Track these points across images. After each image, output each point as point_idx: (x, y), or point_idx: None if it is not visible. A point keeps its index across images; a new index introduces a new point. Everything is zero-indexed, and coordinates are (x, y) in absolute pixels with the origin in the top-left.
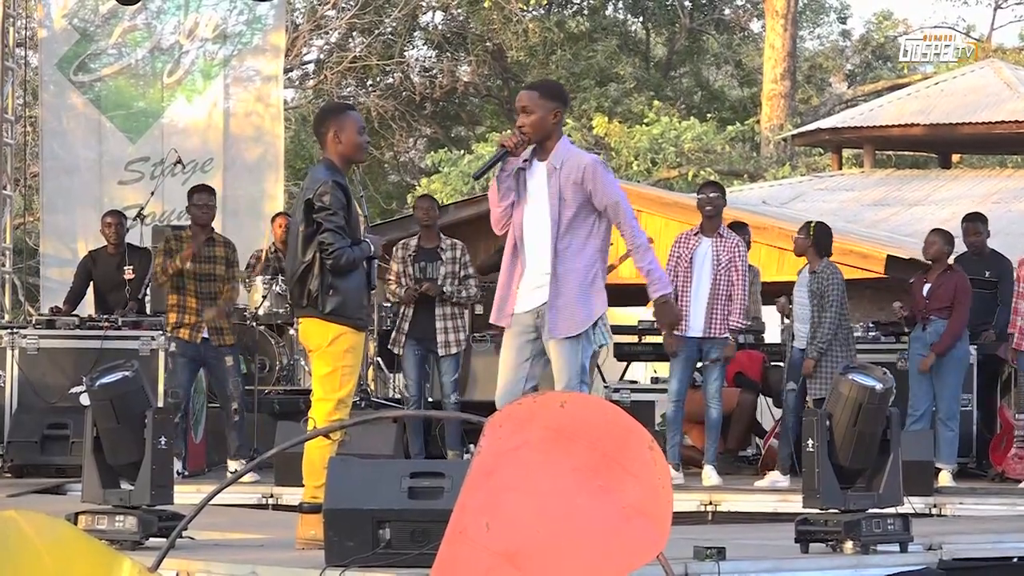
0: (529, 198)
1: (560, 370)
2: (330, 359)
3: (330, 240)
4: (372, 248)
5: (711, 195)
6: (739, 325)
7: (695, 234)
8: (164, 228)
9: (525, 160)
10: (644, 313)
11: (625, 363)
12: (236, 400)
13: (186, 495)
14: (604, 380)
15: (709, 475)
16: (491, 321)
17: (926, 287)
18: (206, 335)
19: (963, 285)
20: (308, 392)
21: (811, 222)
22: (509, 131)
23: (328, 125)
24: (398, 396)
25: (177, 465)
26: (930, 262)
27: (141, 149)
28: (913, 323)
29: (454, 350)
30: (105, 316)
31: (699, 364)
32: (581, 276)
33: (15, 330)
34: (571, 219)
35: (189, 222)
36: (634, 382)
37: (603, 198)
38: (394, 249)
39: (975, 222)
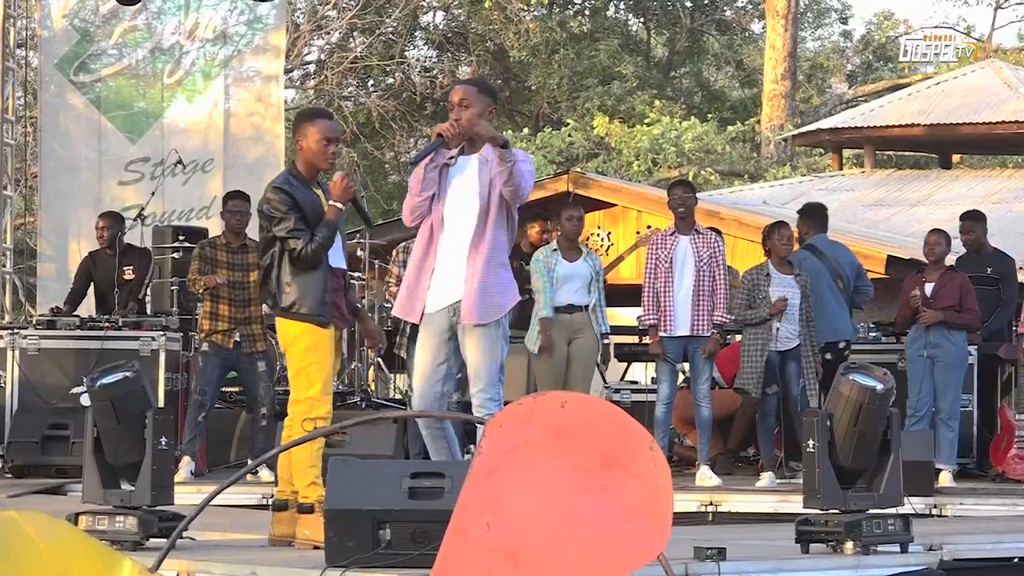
0: (452, 193)
1: (477, 360)
2: (294, 359)
3: (292, 245)
4: (333, 219)
5: (683, 194)
6: (723, 320)
7: (671, 234)
8: (164, 229)
9: (451, 157)
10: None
11: (626, 363)
12: (265, 405)
13: (187, 495)
14: (604, 381)
15: (704, 475)
16: (397, 315)
17: (928, 286)
18: (238, 339)
19: (968, 285)
20: None
21: (783, 222)
22: (447, 122)
23: (297, 132)
24: (398, 396)
25: (191, 466)
26: (932, 262)
27: (141, 149)
28: (909, 324)
29: None
30: (105, 317)
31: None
32: (501, 264)
33: (16, 330)
34: (496, 209)
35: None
36: (635, 382)
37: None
38: (395, 252)
39: (967, 220)
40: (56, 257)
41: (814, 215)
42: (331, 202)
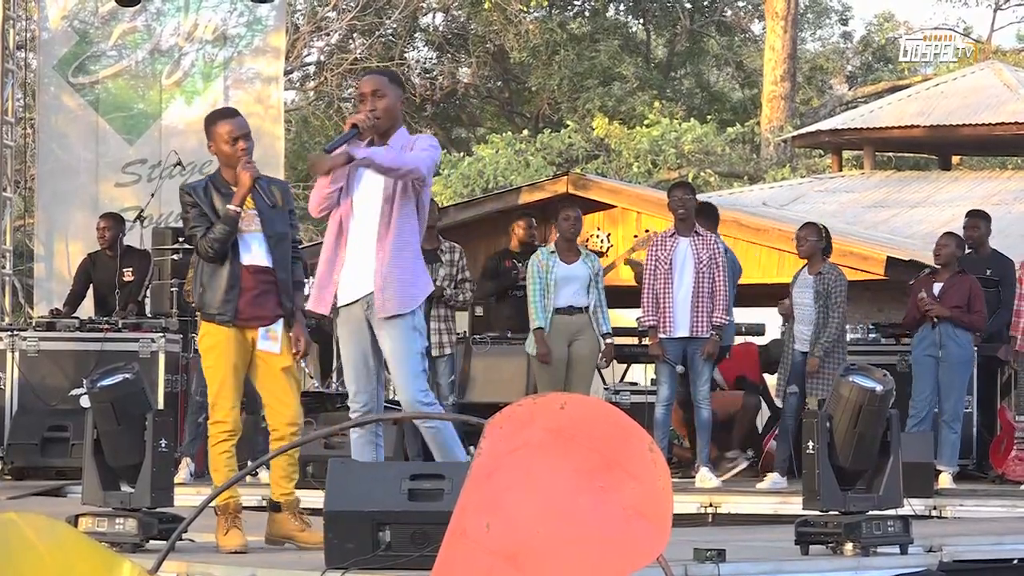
0: (362, 187)
1: (397, 354)
2: (201, 359)
3: (194, 244)
4: (230, 214)
5: (683, 196)
6: (722, 321)
7: (671, 235)
8: (164, 231)
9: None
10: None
11: (625, 365)
12: None
13: (186, 497)
14: (604, 382)
15: (704, 477)
16: (309, 307)
17: (936, 287)
18: None
19: (977, 288)
20: (306, 394)
21: (817, 223)
22: (360, 114)
23: (207, 137)
24: (396, 398)
25: (190, 468)
26: (940, 265)
27: (139, 151)
28: (917, 325)
29: (448, 351)
30: (105, 318)
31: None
32: (411, 253)
33: (15, 332)
34: (401, 196)
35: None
36: (634, 383)
37: (416, 150)
38: None
39: (974, 217)
40: (52, 259)
41: (707, 215)
42: (231, 201)
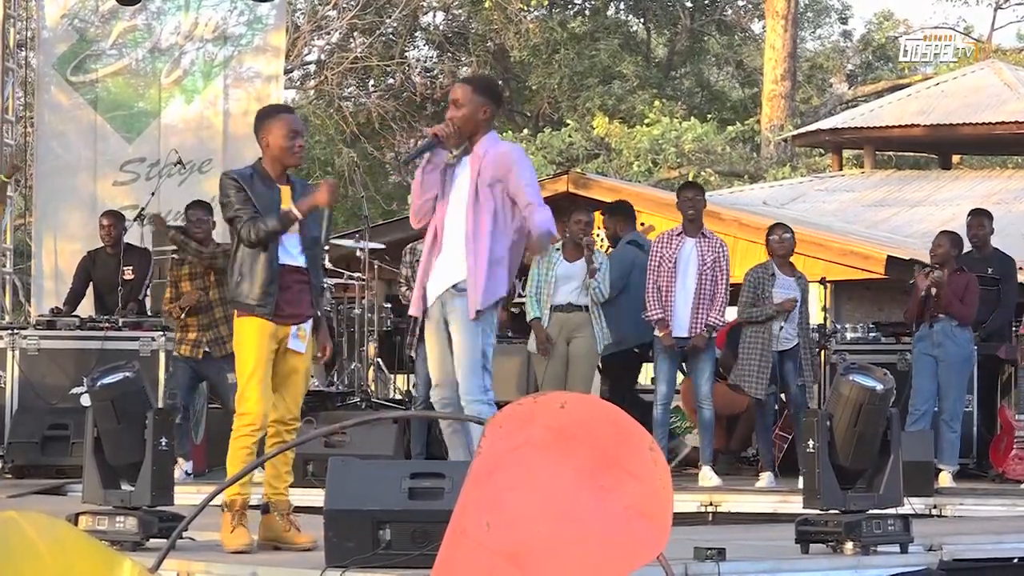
0: (453, 194)
1: (459, 348)
2: (235, 351)
3: (236, 227)
4: (292, 216)
5: (692, 196)
6: (715, 322)
7: (678, 234)
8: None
9: (454, 156)
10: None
11: None
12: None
13: (187, 496)
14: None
15: (706, 475)
16: (412, 314)
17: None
18: (207, 349)
19: (973, 284)
20: (306, 393)
21: (782, 224)
22: (442, 123)
23: (260, 129)
24: (398, 396)
25: (186, 466)
26: (937, 265)
27: (138, 149)
28: (918, 319)
29: None
30: (105, 317)
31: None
32: (487, 257)
33: (16, 331)
34: (486, 203)
35: (184, 222)
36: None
37: (515, 180)
38: (403, 253)
39: (980, 216)
40: (50, 257)
41: (624, 212)
42: (303, 200)
